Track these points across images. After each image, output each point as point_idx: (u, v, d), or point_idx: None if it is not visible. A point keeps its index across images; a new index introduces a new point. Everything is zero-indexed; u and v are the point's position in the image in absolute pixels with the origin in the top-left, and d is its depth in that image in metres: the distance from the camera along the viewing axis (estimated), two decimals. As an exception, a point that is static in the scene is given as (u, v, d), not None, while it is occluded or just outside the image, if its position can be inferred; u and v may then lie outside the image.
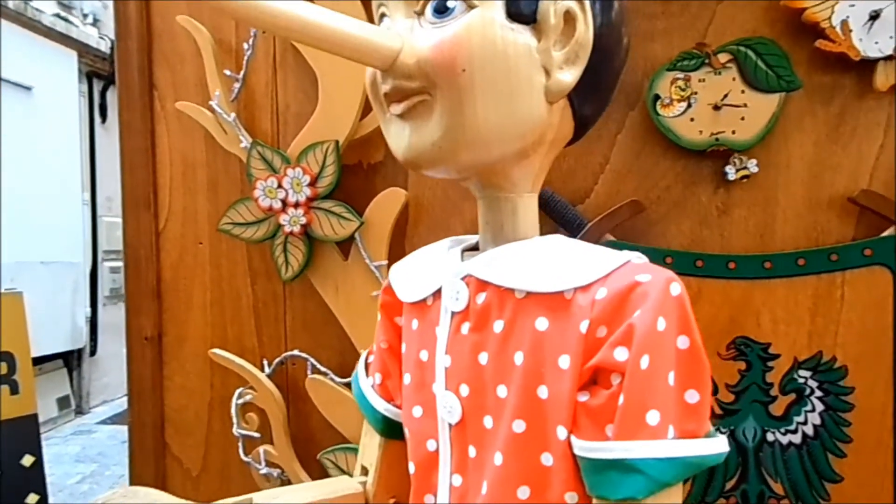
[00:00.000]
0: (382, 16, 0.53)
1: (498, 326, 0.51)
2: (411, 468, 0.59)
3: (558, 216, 1.00)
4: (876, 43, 0.90)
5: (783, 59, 0.93)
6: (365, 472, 0.67)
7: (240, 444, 1.15)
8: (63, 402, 4.81)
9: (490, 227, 0.55)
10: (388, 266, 0.93)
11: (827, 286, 0.94)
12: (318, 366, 1.12)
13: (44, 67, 4.65)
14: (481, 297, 0.52)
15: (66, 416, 4.81)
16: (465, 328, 0.53)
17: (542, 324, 0.49)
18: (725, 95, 0.95)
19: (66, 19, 4.89)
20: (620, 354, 0.45)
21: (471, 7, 0.48)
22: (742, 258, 0.96)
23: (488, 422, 0.52)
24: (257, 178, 1.08)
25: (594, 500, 0.47)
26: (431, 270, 0.58)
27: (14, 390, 1.75)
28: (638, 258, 0.49)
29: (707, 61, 0.95)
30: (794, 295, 0.95)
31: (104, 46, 5.24)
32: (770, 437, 0.96)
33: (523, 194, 0.55)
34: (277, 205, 1.07)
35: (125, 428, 1.26)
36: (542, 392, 0.48)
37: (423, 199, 1.08)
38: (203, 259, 1.19)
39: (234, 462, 1.17)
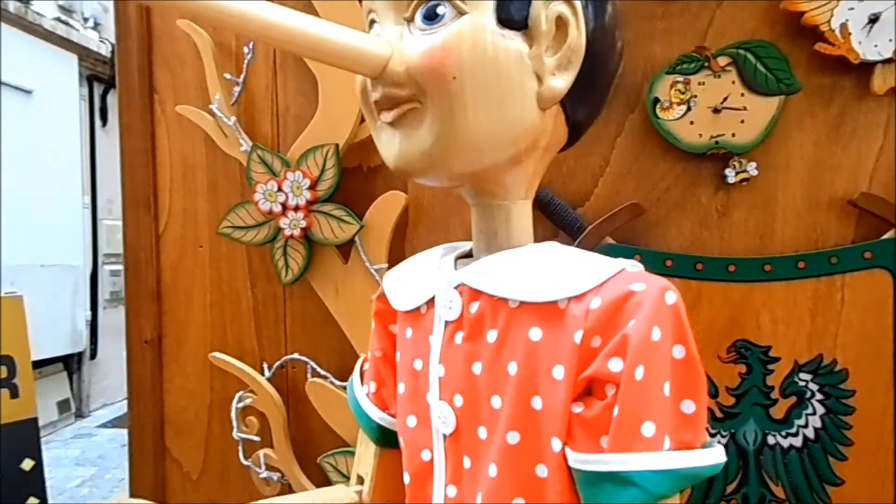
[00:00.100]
0: (372, 22, 0.52)
1: (492, 336, 0.51)
2: (406, 478, 0.58)
3: (558, 219, 1.00)
4: (875, 46, 0.90)
5: (782, 62, 0.93)
6: (360, 481, 0.66)
7: (240, 448, 1.15)
8: (63, 406, 4.81)
9: (483, 235, 0.55)
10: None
11: (827, 289, 0.94)
12: (318, 369, 1.12)
13: (44, 71, 4.66)
14: (474, 307, 0.52)
15: (66, 420, 4.82)
16: (459, 337, 0.53)
17: (535, 334, 0.48)
18: (725, 98, 0.95)
19: (66, 23, 4.90)
20: (615, 365, 0.45)
21: (461, 13, 0.47)
22: (742, 261, 0.96)
23: (482, 432, 0.51)
24: (257, 181, 1.08)
25: None
26: (425, 278, 0.57)
27: (14, 394, 1.75)
28: (633, 266, 0.48)
29: (706, 64, 0.95)
30: (794, 297, 0.95)
31: (105, 50, 5.25)
32: (771, 440, 0.96)
33: (517, 201, 0.54)
34: (277, 208, 1.07)
35: (125, 431, 1.25)
36: (537, 403, 0.48)
37: (423, 202, 1.08)
38: (203, 261, 1.19)
39: (233, 465, 1.17)
